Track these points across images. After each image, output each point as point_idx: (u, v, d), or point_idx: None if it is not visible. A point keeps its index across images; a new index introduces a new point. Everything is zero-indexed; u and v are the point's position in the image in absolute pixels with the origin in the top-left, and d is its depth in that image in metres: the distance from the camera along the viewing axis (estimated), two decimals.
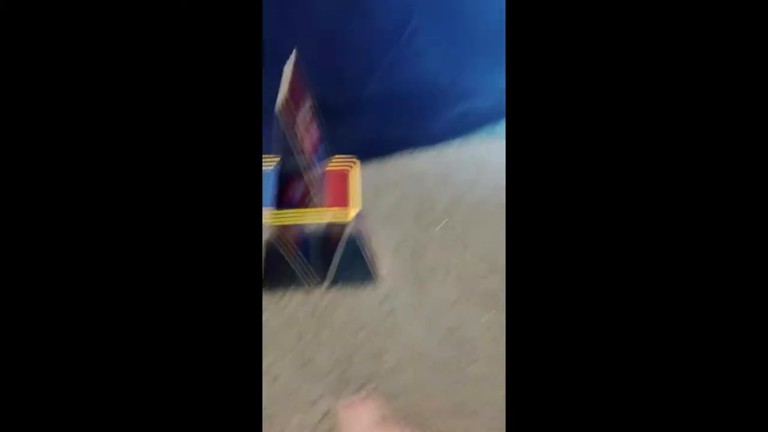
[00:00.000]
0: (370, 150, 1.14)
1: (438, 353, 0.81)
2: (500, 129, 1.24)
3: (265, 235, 0.82)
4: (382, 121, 1.12)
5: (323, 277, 0.90)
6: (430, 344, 0.82)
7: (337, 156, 0.91)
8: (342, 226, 0.82)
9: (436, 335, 0.84)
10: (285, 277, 0.90)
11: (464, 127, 1.22)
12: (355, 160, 0.91)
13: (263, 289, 0.90)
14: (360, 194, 0.84)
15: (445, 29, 1.04)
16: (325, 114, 0.98)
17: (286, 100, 0.68)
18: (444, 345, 0.82)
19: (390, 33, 0.99)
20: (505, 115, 1.09)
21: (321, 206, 0.80)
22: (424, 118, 1.16)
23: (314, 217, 0.81)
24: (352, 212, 0.80)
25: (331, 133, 1.01)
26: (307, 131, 0.78)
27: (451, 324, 0.85)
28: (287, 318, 0.86)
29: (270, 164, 0.86)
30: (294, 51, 0.77)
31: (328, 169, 0.89)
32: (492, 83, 1.12)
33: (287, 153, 0.73)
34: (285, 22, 0.91)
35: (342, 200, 0.81)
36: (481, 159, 1.18)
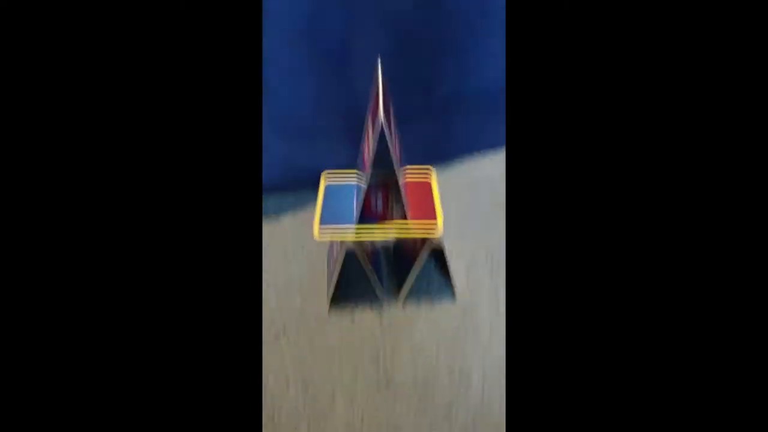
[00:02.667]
0: (437, 154, 1.10)
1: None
2: None
3: (342, 249, 0.79)
4: (447, 126, 1.08)
5: (397, 292, 0.86)
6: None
7: (409, 167, 0.87)
8: (422, 241, 0.78)
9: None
10: (357, 293, 0.87)
11: None
12: (429, 168, 0.87)
13: (334, 305, 0.87)
14: (440, 205, 0.80)
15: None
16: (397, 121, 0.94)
17: (383, 112, 0.65)
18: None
19: (463, 36, 0.94)
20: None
21: (407, 219, 0.76)
22: (490, 121, 1.11)
23: (401, 232, 0.77)
24: (440, 225, 0.76)
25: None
26: (397, 140, 0.75)
27: None
28: (363, 335, 0.83)
29: (351, 178, 0.83)
30: (378, 59, 0.75)
31: (408, 180, 0.85)
32: None
33: (378, 165, 0.70)
34: (364, 26, 0.88)
35: (430, 213, 0.77)
36: None
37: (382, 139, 0.65)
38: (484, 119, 1.10)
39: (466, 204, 1.06)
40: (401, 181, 0.73)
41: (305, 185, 1.01)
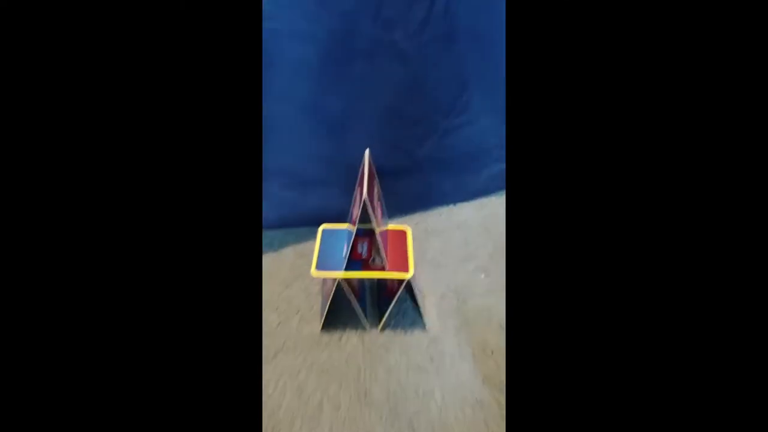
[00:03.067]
0: (420, 203, 1.29)
1: (479, 394, 0.94)
2: None
3: (334, 284, 0.97)
4: (431, 178, 1.27)
5: (378, 321, 1.04)
6: (473, 385, 0.95)
7: (390, 225, 1.06)
8: (399, 281, 0.96)
9: (478, 378, 0.96)
10: (344, 319, 1.04)
11: (501, 183, 1.35)
12: (407, 227, 1.06)
13: (325, 328, 1.04)
14: (413, 256, 0.98)
15: (490, 100, 1.18)
16: (382, 174, 1.13)
17: (368, 188, 0.84)
18: (484, 386, 0.94)
19: (445, 106, 1.14)
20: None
21: (383, 268, 0.95)
22: (468, 175, 1.30)
23: (380, 276, 0.96)
24: (411, 272, 0.94)
25: (385, 189, 1.16)
26: (378, 205, 0.94)
27: (491, 369, 0.98)
28: (347, 354, 1.00)
29: (343, 228, 1.02)
30: (367, 150, 0.94)
31: (388, 229, 1.04)
32: None
33: (363, 221, 0.89)
34: (354, 103, 1.07)
35: (403, 263, 0.96)
36: None
37: (365, 211, 0.84)
38: (462, 176, 1.29)
39: (439, 248, 1.24)
40: (379, 238, 0.91)
41: (306, 224, 1.21)
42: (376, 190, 0.96)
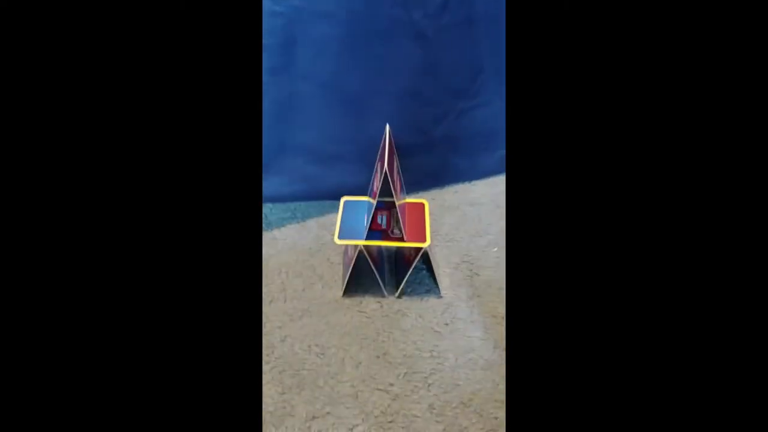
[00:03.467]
0: (436, 180, 1.36)
1: (489, 356, 1.01)
2: None
3: (355, 251, 1.05)
4: (446, 157, 1.33)
5: (396, 288, 1.11)
6: (483, 348, 1.02)
7: (408, 198, 1.13)
8: (416, 250, 1.03)
9: (488, 342, 1.03)
10: (365, 286, 1.12)
11: None
12: (425, 201, 1.12)
13: (346, 293, 1.12)
14: (430, 228, 1.05)
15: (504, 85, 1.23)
16: (400, 151, 1.19)
17: (389, 161, 0.91)
18: (494, 349, 1.02)
19: (461, 88, 1.19)
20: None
21: (401, 238, 1.02)
22: (481, 156, 1.36)
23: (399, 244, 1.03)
24: (428, 241, 1.01)
25: (403, 166, 1.23)
26: (398, 179, 1.01)
27: (500, 334, 1.05)
28: (367, 318, 1.08)
29: (364, 200, 1.09)
30: (387, 126, 1.00)
31: (407, 202, 1.10)
32: None
33: (383, 193, 0.96)
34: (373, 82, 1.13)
35: (420, 236, 1.03)
36: None
37: (386, 182, 0.91)
38: (476, 156, 1.35)
39: (454, 223, 1.30)
40: (399, 209, 0.98)
41: (327, 197, 1.28)
42: (396, 165, 1.02)
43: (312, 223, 1.29)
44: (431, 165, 1.32)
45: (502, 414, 0.90)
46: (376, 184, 0.98)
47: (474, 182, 1.40)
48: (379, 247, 1.17)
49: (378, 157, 1.03)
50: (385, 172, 0.90)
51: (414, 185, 1.35)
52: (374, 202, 0.99)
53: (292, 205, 1.33)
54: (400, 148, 1.22)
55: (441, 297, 1.11)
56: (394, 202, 0.99)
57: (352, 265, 1.05)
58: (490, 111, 1.26)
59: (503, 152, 1.37)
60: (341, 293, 1.11)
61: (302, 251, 1.22)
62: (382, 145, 0.99)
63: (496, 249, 1.22)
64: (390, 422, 0.89)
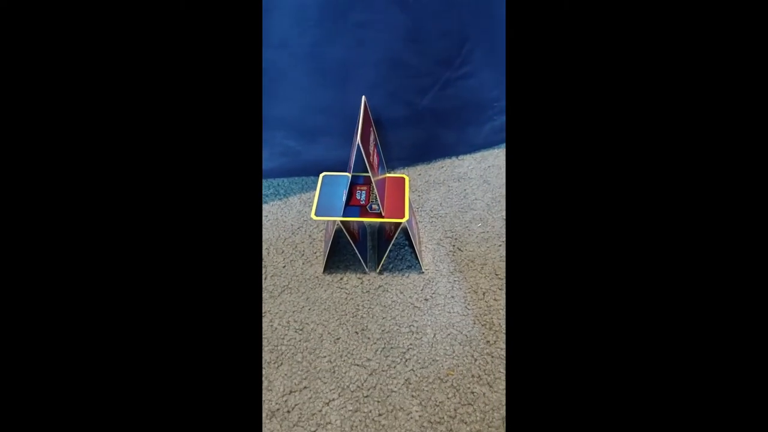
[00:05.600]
0: (423, 154, 1.33)
1: (469, 332, 1.00)
2: None
3: (334, 226, 1.03)
4: (434, 130, 1.29)
5: (377, 265, 1.10)
6: (463, 324, 1.01)
7: (389, 174, 1.10)
8: (396, 225, 1.01)
9: (468, 317, 1.02)
10: (346, 262, 1.11)
11: (503, 137, 1.37)
12: (406, 175, 1.09)
13: (327, 269, 1.11)
14: (409, 203, 1.02)
15: (491, 55, 1.18)
16: (383, 125, 1.16)
17: (362, 134, 0.87)
18: (474, 325, 1.01)
19: (446, 57, 1.15)
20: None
21: (380, 214, 1.00)
22: (469, 129, 1.32)
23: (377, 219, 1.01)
24: (407, 216, 0.99)
25: (388, 140, 1.20)
26: (375, 152, 0.98)
27: (481, 310, 1.04)
28: (347, 294, 1.07)
29: (343, 175, 1.07)
30: (363, 97, 0.97)
31: (388, 176, 1.08)
32: None
33: (360, 170, 0.93)
34: (354, 51, 1.09)
35: (399, 211, 1.01)
36: None
37: (359, 156, 0.88)
38: (464, 128, 1.31)
39: (439, 199, 1.28)
40: (377, 185, 0.96)
41: (310, 173, 1.26)
42: (372, 138, 0.99)
43: (294, 200, 1.28)
44: (418, 138, 1.29)
45: (479, 389, 0.90)
46: (353, 158, 0.95)
47: (462, 157, 1.38)
48: (361, 222, 1.15)
49: (355, 130, 1.00)
50: (358, 145, 0.87)
51: (401, 160, 1.32)
52: (350, 176, 0.96)
53: (275, 182, 1.31)
54: (384, 121, 1.18)
55: (422, 273, 1.10)
56: (372, 178, 0.97)
57: (330, 241, 1.04)
58: (477, 81, 1.21)
59: (492, 125, 1.34)
60: (321, 269, 1.10)
61: (284, 228, 1.21)
62: (358, 117, 0.96)
63: (480, 225, 1.20)
64: (366, 397, 0.90)
